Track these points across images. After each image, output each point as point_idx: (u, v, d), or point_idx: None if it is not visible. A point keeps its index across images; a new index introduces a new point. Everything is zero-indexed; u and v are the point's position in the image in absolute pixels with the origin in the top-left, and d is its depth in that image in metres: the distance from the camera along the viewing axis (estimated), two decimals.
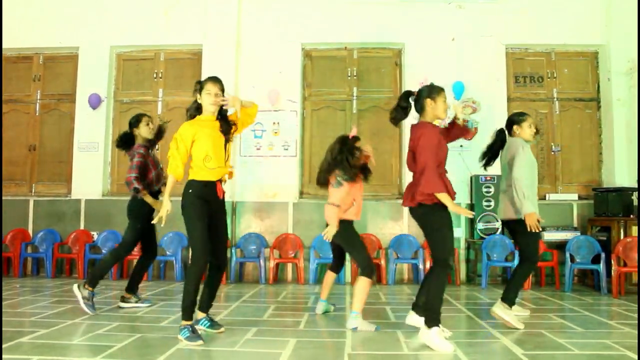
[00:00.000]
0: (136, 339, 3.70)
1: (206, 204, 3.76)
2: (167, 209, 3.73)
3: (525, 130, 4.51)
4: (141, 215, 4.90)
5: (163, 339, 3.72)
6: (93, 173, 7.65)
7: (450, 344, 3.45)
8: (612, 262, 5.96)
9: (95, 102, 7.63)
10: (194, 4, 7.68)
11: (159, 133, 5.13)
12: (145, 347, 3.48)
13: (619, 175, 7.16)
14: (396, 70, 7.77)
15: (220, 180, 3.89)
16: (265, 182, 7.47)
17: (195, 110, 3.93)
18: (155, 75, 7.92)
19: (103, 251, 7.27)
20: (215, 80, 3.91)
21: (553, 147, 7.56)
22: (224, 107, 3.95)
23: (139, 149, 4.95)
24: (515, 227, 4.41)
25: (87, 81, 7.77)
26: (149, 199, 4.88)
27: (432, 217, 3.71)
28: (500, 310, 4.22)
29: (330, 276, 4.84)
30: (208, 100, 3.84)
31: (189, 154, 3.81)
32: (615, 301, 5.58)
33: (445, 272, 3.72)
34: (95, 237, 7.47)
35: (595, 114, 7.59)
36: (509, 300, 4.28)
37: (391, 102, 7.64)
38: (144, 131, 5.02)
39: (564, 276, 6.57)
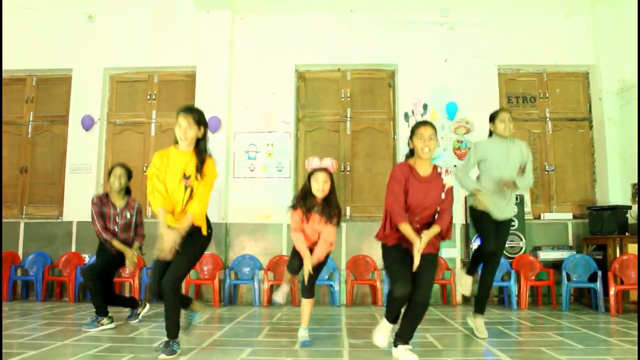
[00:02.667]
0: (130, 358, 3.61)
1: None
2: (170, 239, 3.54)
3: (497, 126, 4.63)
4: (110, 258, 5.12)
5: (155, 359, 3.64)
6: (85, 195, 7.46)
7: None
8: (609, 280, 5.92)
9: (88, 123, 7.60)
10: (187, 26, 7.71)
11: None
12: None
13: (613, 194, 7.16)
14: (390, 92, 7.80)
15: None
16: (259, 203, 7.42)
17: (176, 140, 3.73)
18: (148, 97, 7.91)
19: None
20: (187, 111, 3.65)
21: (547, 166, 7.57)
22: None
23: (93, 199, 5.16)
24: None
25: (80, 103, 7.74)
26: (117, 245, 5.04)
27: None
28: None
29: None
30: (177, 134, 3.64)
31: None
32: (613, 319, 5.53)
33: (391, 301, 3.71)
34: (87, 259, 7.35)
35: (587, 133, 7.64)
36: None
37: (385, 123, 7.72)
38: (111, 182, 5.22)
39: (560, 296, 6.52)
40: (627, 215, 6.66)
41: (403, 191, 3.64)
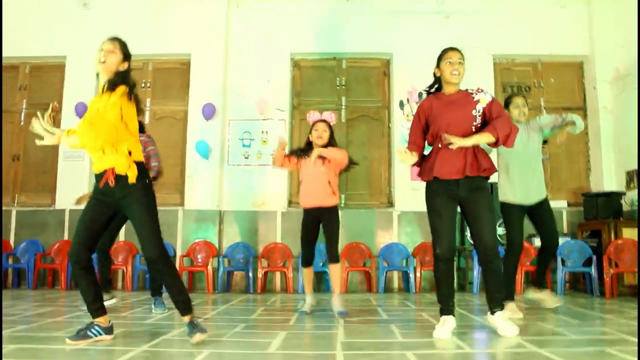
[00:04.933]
0: (119, 332, 3.56)
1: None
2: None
3: (512, 112, 4.52)
4: None
5: (147, 331, 3.60)
6: (78, 183, 7.48)
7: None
8: (604, 263, 5.92)
9: (82, 111, 7.54)
10: (182, 14, 7.68)
11: None
12: (130, 337, 3.35)
13: (607, 181, 7.18)
14: (385, 80, 7.79)
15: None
16: (254, 191, 7.38)
17: None
18: (143, 85, 7.86)
19: None
20: (112, 38, 3.39)
21: (542, 155, 7.55)
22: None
23: None
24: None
25: (74, 90, 7.68)
26: None
27: None
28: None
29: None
30: (95, 60, 3.30)
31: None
32: (608, 302, 5.52)
33: (437, 266, 3.59)
34: None
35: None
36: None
37: (380, 112, 7.71)
38: None
39: (555, 283, 6.51)
40: (622, 202, 6.66)
41: (420, 125, 3.60)
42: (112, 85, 3.17)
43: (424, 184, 3.71)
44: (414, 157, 3.55)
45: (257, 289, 6.87)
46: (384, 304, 5.58)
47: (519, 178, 4.47)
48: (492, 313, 3.49)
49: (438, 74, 3.61)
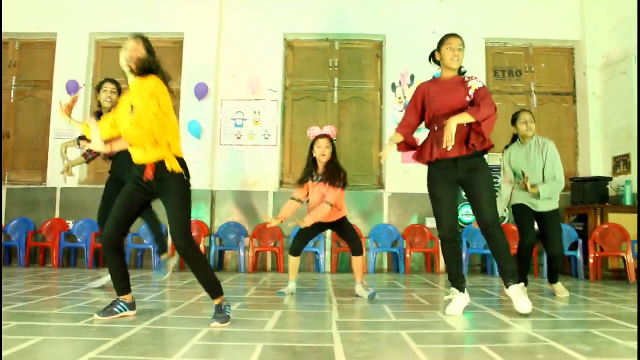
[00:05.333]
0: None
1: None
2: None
3: (519, 128, 4.66)
4: None
5: (145, 310, 3.65)
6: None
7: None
8: (589, 247, 6.05)
9: (73, 88, 7.51)
10: None
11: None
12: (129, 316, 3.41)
13: (595, 167, 7.30)
14: (377, 62, 7.82)
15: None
16: (246, 171, 7.43)
17: None
18: None
19: (79, 240, 7.18)
20: (135, 36, 3.24)
21: None
22: None
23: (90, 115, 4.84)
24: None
25: (64, 68, 7.64)
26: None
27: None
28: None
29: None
30: (121, 58, 3.17)
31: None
32: (592, 284, 5.66)
33: (442, 247, 3.77)
34: (71, 225, 7.33)
35: (571, 107, 7.74)
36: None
37: (372, 94, 7.75)
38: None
39: (542, 265, 6.63)
40: (608, 187, 6.79)
41: (414, 108, 3.75)
42: (141, 73, 3.14)
43: (415, 166, 3.92)
44: (391, 145, 3.75)
45: (248, 269, 6.95)
46: (375, 284, 5.69)
47: (525, 192, 4.62)
48: (507, 287, 3.61)
49: (438, 58, 3.73)
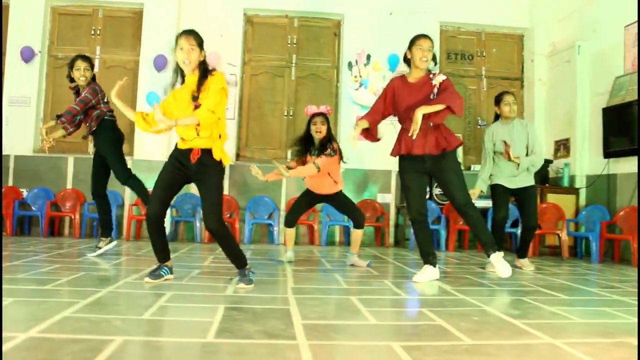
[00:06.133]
0: (80, 276, 3.73)
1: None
2: (168, 122, 3.26)
3: (502, 108, 5.05)
4: None
5: (107, 276, 3.79)
6: (24, 129, 7.43)
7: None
8: None
9: (28, 55, 7.41)
10: None
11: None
12: (92, 280, 3.54)
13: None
14: (335, 41, 7.99)
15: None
16: None
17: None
18: (92, 32, 7.76)
19: (33, 208, 7.17)
20: (187, 33, 3.43)
21: (479, 121, 8.05)
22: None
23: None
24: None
25: (18, 34, 7.49)
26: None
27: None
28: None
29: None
30: (180, 57, 3.40)
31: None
32: (529, 259, 6.05)
33: (413, 228, 4.19)
34: (25, 194, 7.30)
35: (519, 92, 8.13)
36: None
37: (329, 71, 7.93)
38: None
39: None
40: (549, 169, 7.22)
41: (383, 101, 4.07)
42: (205, 73, 3.38)
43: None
44: (357, 130, 3.97)
45: (204, 239, 7.10)
46: (327, 255, 5.95)
47: (505, 166, 5.01)
48: (488, 256, 3.97)
49: (409, 56, 3.98)
